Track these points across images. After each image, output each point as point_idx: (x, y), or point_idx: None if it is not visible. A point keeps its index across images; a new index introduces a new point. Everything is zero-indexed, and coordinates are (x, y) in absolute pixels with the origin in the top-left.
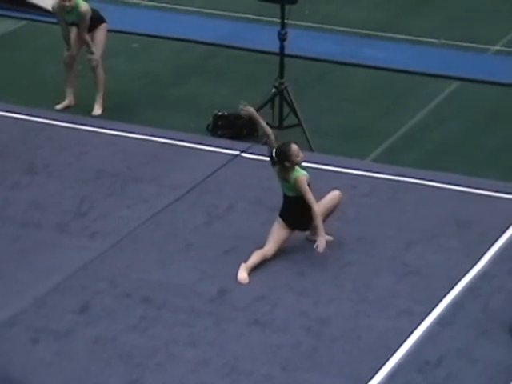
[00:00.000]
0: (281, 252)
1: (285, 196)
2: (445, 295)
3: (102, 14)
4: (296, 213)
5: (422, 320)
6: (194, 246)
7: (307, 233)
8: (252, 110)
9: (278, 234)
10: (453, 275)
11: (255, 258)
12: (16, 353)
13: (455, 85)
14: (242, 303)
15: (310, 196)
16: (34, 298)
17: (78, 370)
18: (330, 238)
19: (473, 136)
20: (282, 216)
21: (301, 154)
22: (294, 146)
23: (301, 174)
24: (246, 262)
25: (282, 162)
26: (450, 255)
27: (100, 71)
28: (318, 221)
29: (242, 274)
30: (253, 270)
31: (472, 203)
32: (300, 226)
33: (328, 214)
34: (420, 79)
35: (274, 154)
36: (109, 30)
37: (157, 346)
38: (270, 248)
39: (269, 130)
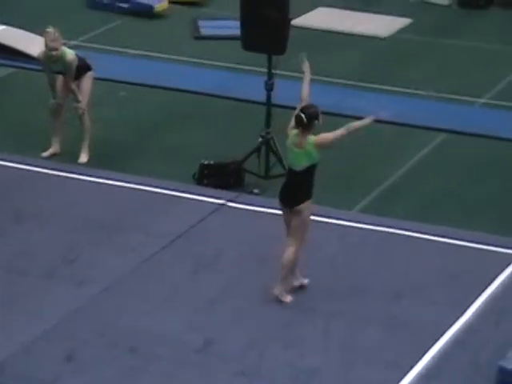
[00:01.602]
0: (267, 301)
1: (290, 171)
2: (431, 347)
3: (90, 62)
4: (293, 186)
5: (410, 372)
6: (180, 294)
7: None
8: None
9: (286, 221)
10: (440, 328)
11: (283, 271)
12: None
13: (442, 137)
14: (229, 353)
15: (332, 135)
16: (21, 345)
17: None
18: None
19: (459, 188)
20: (279, 197)
21: None
22: None
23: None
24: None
25: (313, 121)
26: (438, 308)
27: (86, 119)
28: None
29: (286, 298)
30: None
31: (459, 255)
32: (290, 202)
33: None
34: (407, 130)
35: (303, 116)
36: (96, 78)
37: None
38: (289, 243)
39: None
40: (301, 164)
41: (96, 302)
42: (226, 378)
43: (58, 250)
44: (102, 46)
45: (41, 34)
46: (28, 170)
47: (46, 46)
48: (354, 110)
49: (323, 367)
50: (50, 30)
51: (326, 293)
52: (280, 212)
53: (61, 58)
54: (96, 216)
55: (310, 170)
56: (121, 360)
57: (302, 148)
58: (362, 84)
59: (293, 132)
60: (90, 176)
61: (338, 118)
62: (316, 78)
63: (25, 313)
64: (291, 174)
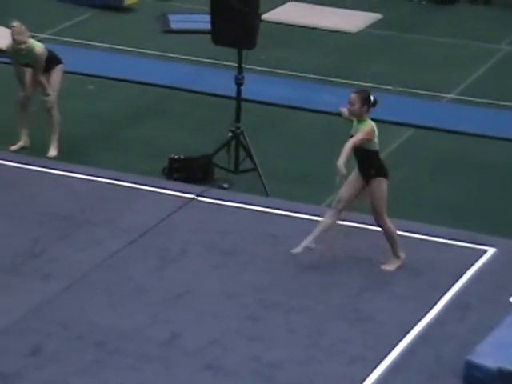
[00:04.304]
0: (232, 296)
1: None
2: (397, 342)
3: (59, 55)
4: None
5: (375, 367)
6: (146, 289)
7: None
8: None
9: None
10: (405, 322)
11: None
12: None
13: (409, 132)
14: (194, 348)
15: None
16: None
17: None
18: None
19: (426, 183)
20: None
21: None
22: None
23: None
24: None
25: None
26: (403, 302)
27: (55, 113)
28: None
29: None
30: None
31: (425, 250)
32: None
33: None
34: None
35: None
36: (65, 72)
37: None
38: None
39: None
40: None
41: (61, 297)
42: (190, 372)
43: (22, 244)
44: (71, 40)
45: (8, 27)
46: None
47: (13, 39)
48: (319, 105)
49: (287, 361)
50: (16, 23)
51: (288, 288)
52: (248, 206)
53: (29, 51)
54: (62, 210)
55: None
56: (85, 354)
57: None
58: (328, 78)
59: None
60: (57, 169)
61: (304, 112)
62: (283, 72)
63: None
64: None
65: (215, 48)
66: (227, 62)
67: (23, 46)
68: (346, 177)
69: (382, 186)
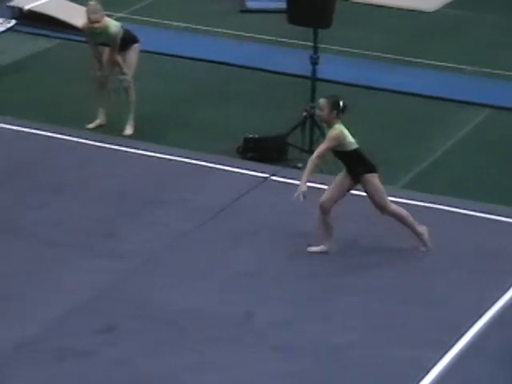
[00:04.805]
0: (302, 277)
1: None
2: (470, 326)
3: (135, 34)
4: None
5: (447, 351)
6: (217, 269)
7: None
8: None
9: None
10: (479, 305)
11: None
12: (39, 371)
13: (486, 113)
14: (263, 328)
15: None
16: (56, 318)
17: None
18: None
19: (503, 164)
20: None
21: None
22: None
23: None
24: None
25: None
26: (477, 284)
27: (132, 92)
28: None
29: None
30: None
31: (498, 232)
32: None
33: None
34: (450, 106)
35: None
36: (141, 51)
37: (175, 370)
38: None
39: None
40: None
41: (133, 276)
42: (260, 352)
43: (96, 223)
44: (148, 19)
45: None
46: (72, 141)
47: (88, 18)
48: (393, 85)
49: (358, 344)
50: (92, 2)
51: (363, 268)
52: (322, 186)
53: (104, 30)
54: (136, 188)
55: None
56: (157, 333)
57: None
58: (404, 58)
59: None
60: (133, 148)
61: (379, 92)
62: (357, 51)
63: (61, 285)
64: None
65: (290, 27)
66: (301, 41)
67: (97, 25)
68: (305, 194)
69: (373, 181)
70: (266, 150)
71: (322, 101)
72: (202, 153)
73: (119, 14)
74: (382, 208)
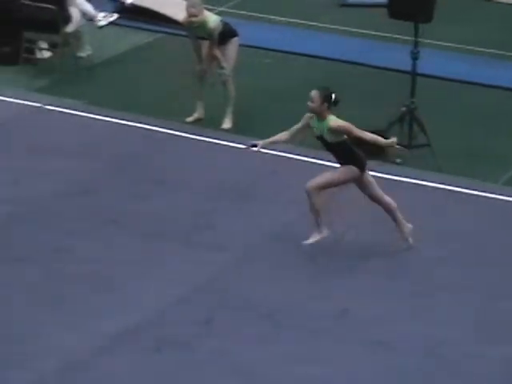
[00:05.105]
0: (401, 274)
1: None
2: None
3: (235, 28)
4: None
5: None
6: (317, 261)
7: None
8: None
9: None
10: None
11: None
12: (137, 360)
13: None
14: (363, 322)
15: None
16: (157, 308)
17: (194, 381)
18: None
19: None
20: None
21: None
22: None
23: None
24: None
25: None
26: None
27: (230, 86)
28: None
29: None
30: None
31: None
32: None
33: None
34: None
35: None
36: (241, 45)
37: (276, 362)
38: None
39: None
40: None
41: (233, 268)
42: (358, 347)
43: (196, 215)
44: (247, 13)
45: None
46: (172, 135)
47: (187, 12)
48: (496, 80)
49: (457, 340)
50: None
51: (460, 264)
52: (420, 182)
53: (202, 25)
54: (235, 181)
55: None
56: (256, 325)
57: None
58: (507, 53)
59: None
60: (232, 142)
61: (480, 87)
62: (459, 46)
63: (162, 277)
64: None
65: (390, 21)
66: (401, 36)
67: (195, 19)
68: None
69: (364, 174)
70: (365, 145)
71: (313, 92)
72: (301, 147)
73: (220, 8)
74: (377, 200)
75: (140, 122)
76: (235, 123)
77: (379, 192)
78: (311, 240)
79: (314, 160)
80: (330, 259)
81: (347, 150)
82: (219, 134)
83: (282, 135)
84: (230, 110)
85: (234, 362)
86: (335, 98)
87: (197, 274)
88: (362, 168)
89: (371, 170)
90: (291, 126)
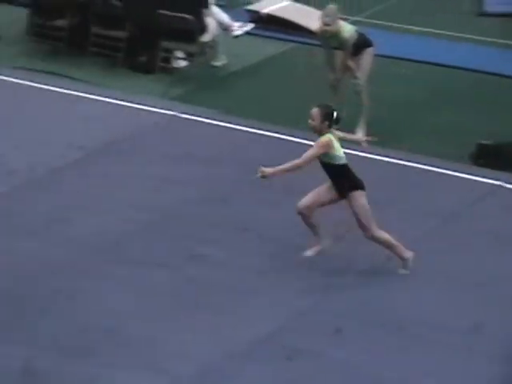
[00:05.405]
0: None
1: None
2: None
3: (370, 38)
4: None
5: None
6: (446, 275)
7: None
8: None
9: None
10: None
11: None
12: (268, 369)
13: None
14: (497, 337)
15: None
16: (289, 317)
17: None
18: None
19: None
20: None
21: None
22: None
23: None
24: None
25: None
26: None
27: (364, 96)
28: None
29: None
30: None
31: None
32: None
33: None
34: None
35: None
36: (376, 55)
37: (406, 375)
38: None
39: None
40: None
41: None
42: (489, 362)
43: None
44: (382, 22)
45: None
46: (303, 144)
47: (321, 21)
48: None
49: None
50: (330, 5)
51: None
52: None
53: (336, 35)
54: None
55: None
56: (385, 337)
57: None
58: None
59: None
60: (363, 152)
61: None
62: None
63: (294, 284)
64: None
65: None
66: None
67: (328, 28)
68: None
69: (360, 199)
70: (500, 157)
71: (314, 110)
72: (434, 158)
73: (356, 18)
74: (365, 229)
75: (273, 131)
76: (369, 133)
77: (367, 223)
78: (310, 252)
79: (448, 172)
80: (462, 271)
81: (332, 172)
82: (350, 144)
83: (296, 164)
84: (363, 121)
85: (363, 374)
86: (337, 116)
87: (326, 282)
88: (342, 193)
89: (508, 182)
90: (425, 137)
